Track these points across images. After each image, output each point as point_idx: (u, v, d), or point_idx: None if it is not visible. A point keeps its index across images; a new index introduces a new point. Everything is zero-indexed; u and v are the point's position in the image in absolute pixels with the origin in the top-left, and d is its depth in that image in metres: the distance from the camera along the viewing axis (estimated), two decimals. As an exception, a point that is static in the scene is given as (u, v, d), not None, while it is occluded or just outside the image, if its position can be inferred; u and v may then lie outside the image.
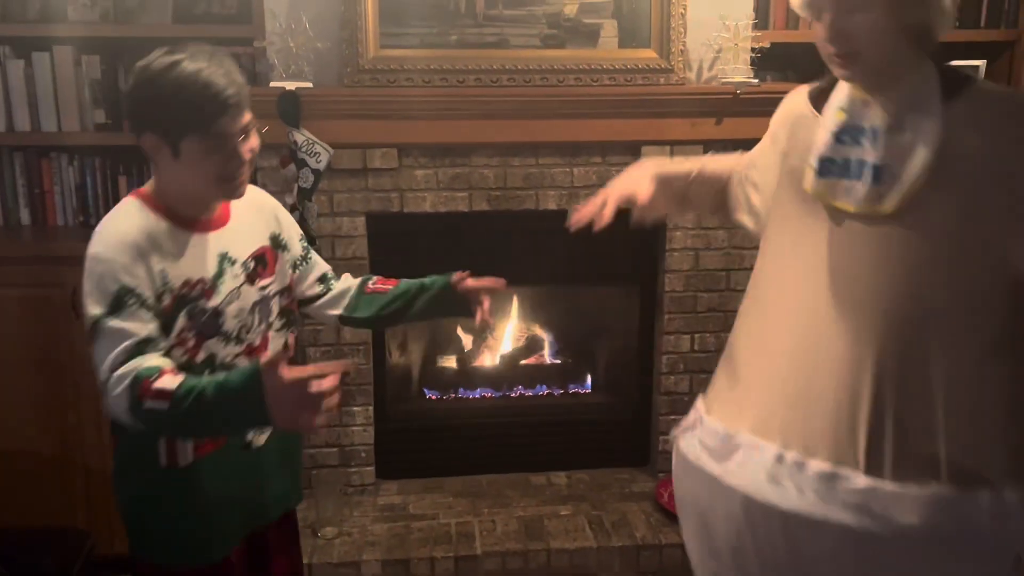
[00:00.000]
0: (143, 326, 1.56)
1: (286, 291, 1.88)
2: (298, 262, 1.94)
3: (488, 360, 3.38)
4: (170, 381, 1.49)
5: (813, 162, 1.61)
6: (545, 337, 3.42)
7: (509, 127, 2.86)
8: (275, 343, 1.84)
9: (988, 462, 1.53)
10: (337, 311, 2.01)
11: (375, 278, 2.04)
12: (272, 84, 2.73)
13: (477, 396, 3.32)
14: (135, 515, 1.80)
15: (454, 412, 3.30)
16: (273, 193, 2.82)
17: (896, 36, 1.51)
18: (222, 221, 1.74)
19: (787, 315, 1.68)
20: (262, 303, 1.79)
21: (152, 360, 1.54)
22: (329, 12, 2.80)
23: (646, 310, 3.18)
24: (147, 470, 1.73)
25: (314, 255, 2.01)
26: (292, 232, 1.94)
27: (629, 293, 3.20)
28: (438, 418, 3.29)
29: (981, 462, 1.53)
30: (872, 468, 1.56)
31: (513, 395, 3.32)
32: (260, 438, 1.83)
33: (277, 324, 1.85)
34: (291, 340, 1.90)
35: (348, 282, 2.03)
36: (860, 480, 1.56)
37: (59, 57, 3.03)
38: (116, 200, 3.06)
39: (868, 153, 1.56)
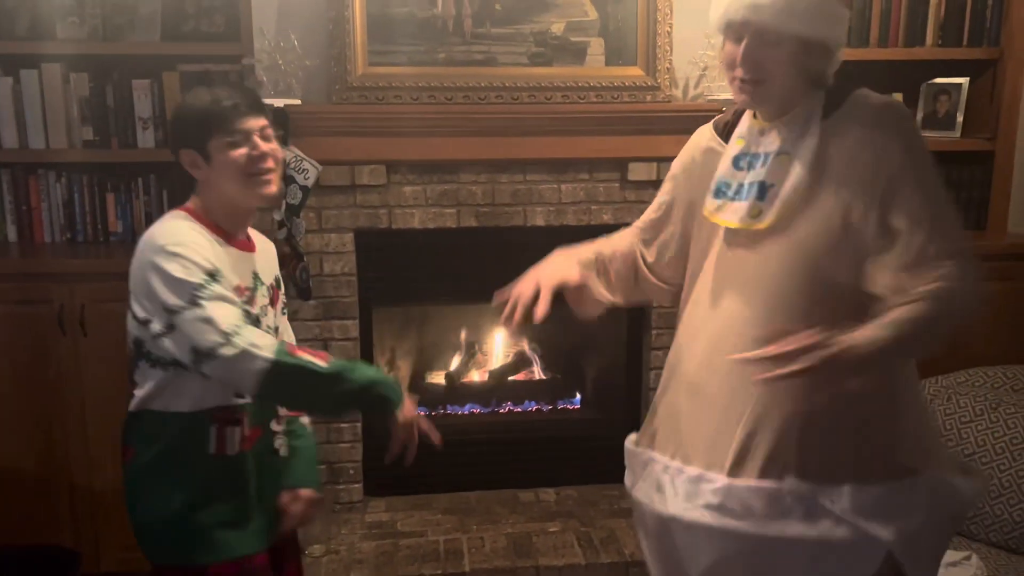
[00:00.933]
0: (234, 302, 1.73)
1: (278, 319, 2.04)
2: (283, 305, 2.10)
3: (477, 376, 3.39)
4: (309, 355, 1.71)
5: (711, 185, 1.73)
6: (533, 353, 3.42)
7: (497, 144, 2.88)
8: None
9: (853, 460, 1.60)
10: None
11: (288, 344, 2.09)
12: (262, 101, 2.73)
13: (466, 412, 3.32)
14: (173, 518, 1.79)
15: (442, 428, 3.19)
16: (262, 209, 2.85)
17: (798, 73, 1.62)
18: (252, 247, 1.92)
19: (691, 337, 1.78)
20: (274, 325, 1.96)
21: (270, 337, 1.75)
22: (317, 30, 2.82)
23: (634, 326, 3.20)
24: (194, 462, 1.78)
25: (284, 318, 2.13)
26: (281, 279, 2.09)
27: (617, 309, 3.20)
28: (427, 436, 3.28)
29: (847, 460, 1.61)
30: (734, 470, 1.63)
31: (502, 411, 3.33)
32: (284, 448, 1.95)
33: None
34: None
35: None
36: (720, 480, 1.64)
37: (47, 74, 3.03)
38: (104, 217, 3.11)
39: (759, 175, 1.67)
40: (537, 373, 3.41)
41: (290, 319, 2.83)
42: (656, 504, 1.75)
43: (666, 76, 2.93)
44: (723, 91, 2.90)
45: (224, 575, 1.79)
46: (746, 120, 1.74)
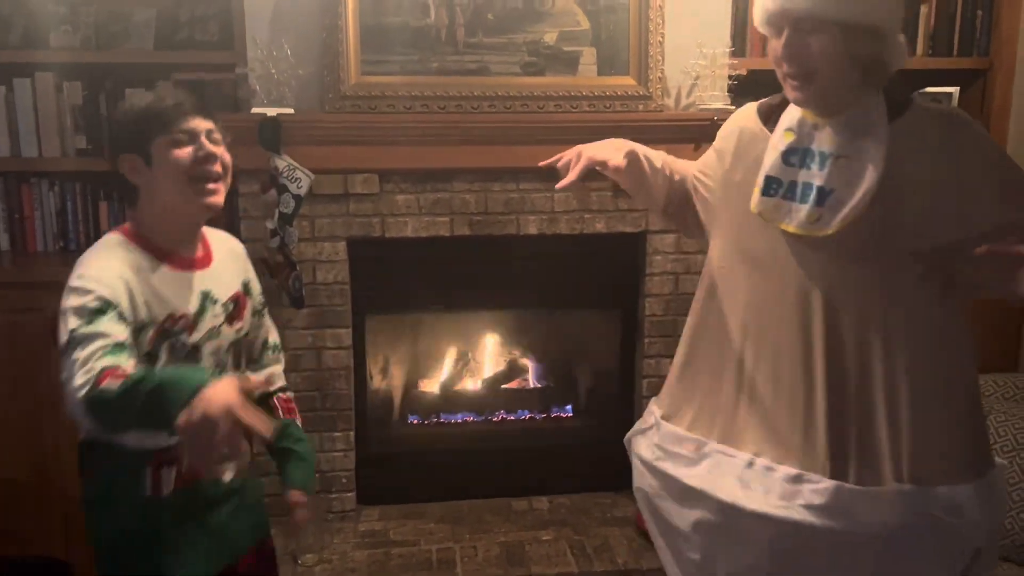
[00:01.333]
0: (120, 332, 1.55)
1: (242, 340, 1.91)
2: (257, 308, 1.96)
3: (470, 385, 3.38)
4: (112, 381, 1.46)
5: (759, 180, 1.68)
6: (526, 361, 3.42)
7: (490, 153, 2.88)
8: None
9: (942, 461, 1.61)
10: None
11: (284, 395, 2.03)
12: (253, 110, 2.74)
13: (459, 421, 3.31)
14: (111, 549, 1.77)
15: (435, 437, 3.30)
16: (255, 218, 2.85)
17: (849, 63, 1.57)
18: (206, 262, 1.79)
19: (741, 332, 1.75)
20: (236, 345, 1.85)
21: (114, 359, 1.50)
22: (311, 39, 2.82)
23: (627, 334, 3.20)
24: (131, 500, 1.71)
25: (267, 316, 2.03)
26: (255, 279, 1.97)
27: (610, 317, 3.22)
28: (419, 443, 3.29)
29: (935, 461, 1.61)
30: (836, 472, 1.63)
31: (495, 419, 3.32)
32: (228, 475, 1.74)
33: (238, 366, 1.89)
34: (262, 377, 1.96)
35: (273, 374, 2.02)
36: (824, 482, 1.63)
37: (40, 83, 3.04)
38: (96, 225, 3.11)
39: (815, 176, 1.63)
40: (530, 381, 3.40)
41: (283, 328, 2.87)
42: (741, 499, 1.69)
43: (658, 86, 2.93)
44: (715, 100, 2.92)
45: None
46: (796, 111, 1.67)
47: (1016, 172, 1.60)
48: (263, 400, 1.94)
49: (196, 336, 1.72)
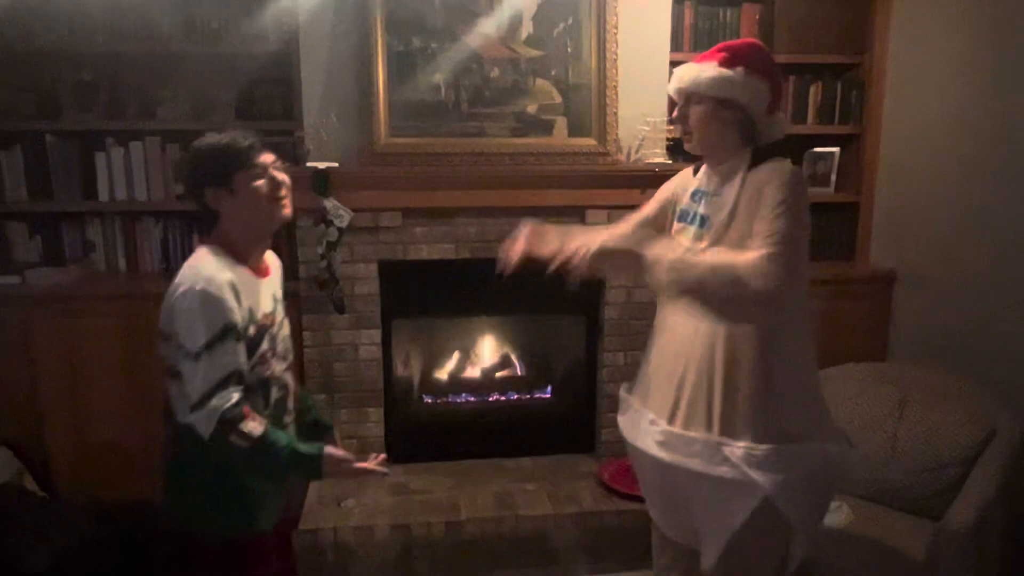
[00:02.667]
0: (237, 359, 1.57)
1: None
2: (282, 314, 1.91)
3: (471, 373, 3.37)
4: (255, 427, 1.54)
5: (677, 211, 1.87)
6: (514, 355, 3.41)
7: (486, 196, 2.89)
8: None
9: (748, 425, 1.69)
10: None
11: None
12: (308, 164, 2.76)
13: (463, 400, 3.31)
14: (206, 504, 1.68)
15: (445, 413, 3.30)
16: (308, 245, 2.87)
17: (721, 126, 1.73)
18: (268, 272, 1.77)
19: (660, 325, 1.90)
20: (289, 334, 1.84)
21: (235, 396, 1.54)
22: (351, 111, 2.84)
23: (591, 334, 3.20)
24: (218, 468, 1.63)
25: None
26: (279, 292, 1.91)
27: (578, 321, 3.22)
28: (433, 417, 3.28)
29: (744, 425, 1.69)
30: (670, 420, 1.78)
31: (490, 399, 3.31)
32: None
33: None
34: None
35: None
36: (662, 425, 1.79)
37: (149, 145, 3.10)
38: (190, 251, 3.12)
39: (702, 208, 1.80)
40: (517, 370, 3.40)
41: (329, 328, 2.97)
42: (640, 444, 1.85)
43: (613, 145, 2.95)
44: (656, 156, 2.95)
45: (253, 544, 1.72)
46: (705, 167, 1.83)
47: (777, 216, 1.63)
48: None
49: (275, 328, 1.73)
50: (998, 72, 2.72)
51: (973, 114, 2.85)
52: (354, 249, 2.89)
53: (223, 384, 1.53)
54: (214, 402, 1.51)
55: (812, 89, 3.32)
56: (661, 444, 1.77)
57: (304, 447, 1.62)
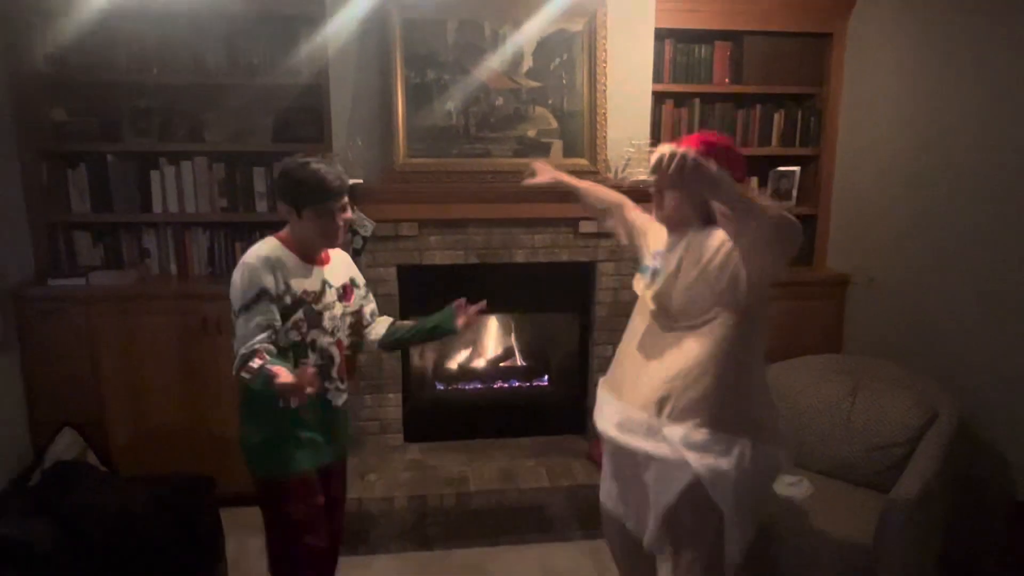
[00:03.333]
0: (270, 316, 1.70)
1: (355, 313, 2.00)
2: (362, 294, 2.06)
3: (478, 363, 3.39)
4: (256, 363, 1.64)
5: (641, 266, 1.95)
6: (516, 348, 3.42)
7: (491, 208, 2.90)
8: (347, 342, 1.96)
9: (693, 413, 1.69)
10: (374, 339, 2.11)
11: (397, 322, 2.16)
12: (337, 181, 2.77)
13: (471, 387, 3.32)
14: (260, 446, 1.83)
15: (456, 398, 3.31)
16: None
17: (689, 209, 1.76)
18: (326, 261, 1.89)
19: (629, 337, 1.92)
20: (343, 316, 1.92)
21: (257, 344, 1.67)
22: (374, 135, 2.85)
23: (583, 329, 3.20)
24: (274, 412, 1.78)
25: (372, 299, 2.12)
26: (360, 279, 2.07)
27: (572, 317, 3.24)
28: (445, 402, 3.29)
29: (689, 411, 1.70)
30: (639, 406, 1.78)
31: (495, 386, 3.32)
32: (338, 398, 1.93)
33: (348, 332, 1.96)
34: (347, 342, 1.98)
35: (383, 322, 2.13)
36: (617, 406, 1.84)
37: (198, 164, 3.11)
38: (234, 257, 3.18)
39: (655, 263, 1.85)
40: (518, 361, 3.41)
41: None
42: (611, 432, 1.86)
43: (603, 164, 2.95)
44: (639, 174, 2.93)
45: (294, 483, 1.82)
46: (666, 234, 1.86)
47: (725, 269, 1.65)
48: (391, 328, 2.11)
49: (319, 306, 1.81)
50: (934, 101, 2.76)
51: (913, 137, 2.87)
52: (376, 255, 2.90)
53: (253, 333, 1.67)
54: (243, 349, 1.66)
55: (776, 116, 3.33)
56: (617, 426, 1.81)
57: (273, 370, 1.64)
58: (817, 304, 3.29)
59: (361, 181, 2.77)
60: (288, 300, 1.74)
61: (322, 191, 1.73)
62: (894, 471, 2.33)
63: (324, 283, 1.85)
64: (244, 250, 3.14)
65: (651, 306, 1.81)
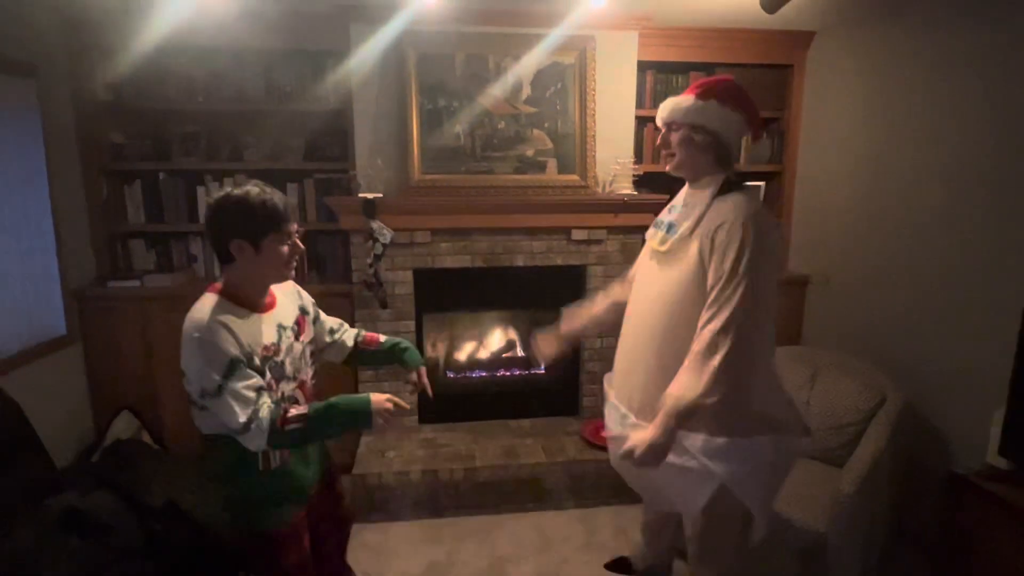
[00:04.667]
0: (256, 380, 1.37)
1: (312, 341, 1.64)
2: (314, 317, 1.67)
3: (483, 355, 3.38)
4: (299, 409, 1.40)
5: (656, 219, 1.71)
6: (516, 340, 3.41)
7: (494, 219, 2.90)
8: (310, 374, 1.61)
9: (708, 418, 1.49)
10: (338, 360, 1.76)
11: (364, 334, 1.79)
12: (360, 195, 2.77)
13: (477, 375, 3.31)
14: (243, 506, 1.51)
15: (464, 385, 3.31)
16: (359, 257, 2.88)
17: (696, 149, 1.55)
18: (272, 305, 1.51)
19: (631, 320, 1.74)
20: (303, 352, 1.58)
21: (268, 403, 1.38)
22: (392, 155, 2.85)
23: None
24: (251, 472, 1.48)
25: (322, 315, 1.72)
26: (309, 301, 1.67)
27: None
28: (455, 389, 3.28)
29: (703, 418, 1.48)
30: (639, 415, 1.61)
31: (498, 375, 3.31)
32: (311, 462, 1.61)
33: (310, 363, 1.62)
34: (311, 373, 1.64)
35: (347, 337, 1.75)
36: (633, 419, 1.62)
37: (239, 182, 3.03)
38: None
39: (671, 218, 1.64)
40: (518, 352, 3.40)
41: (376, 320, 2.95)
42: (610, 426, 1.74)
43: (592, 179, 2.95)
44: (624, 189, 2.95)
45: (283, 534, 1.52)
46: (685, 188, 1.65)
47: (729, 257, 1.44)
48: (356, 348, 1.75)
49: (280, 355, 1.47)
50: (881, 123, 2.76)
51: (863, 155, 2.87)
52: (395, 260, 2.90)
53: (254, 402, 1.35)
54: (255, 421, 1.34)
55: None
56: (628, 431, 1.61)
57: (346, 399, 1.44)
58: (780, 301, 3.27)
59: (381, 195, 2.78)
60: (256, 362, 1.40)
61: (277, 214, 1.39)
62: (848, 447, 2.34)
63: (279, 329, 1.49)
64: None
65: (661, 249, 1.59)
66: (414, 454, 2.88)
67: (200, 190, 3.07)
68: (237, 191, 1.39)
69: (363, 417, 1.44)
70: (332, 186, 3.07)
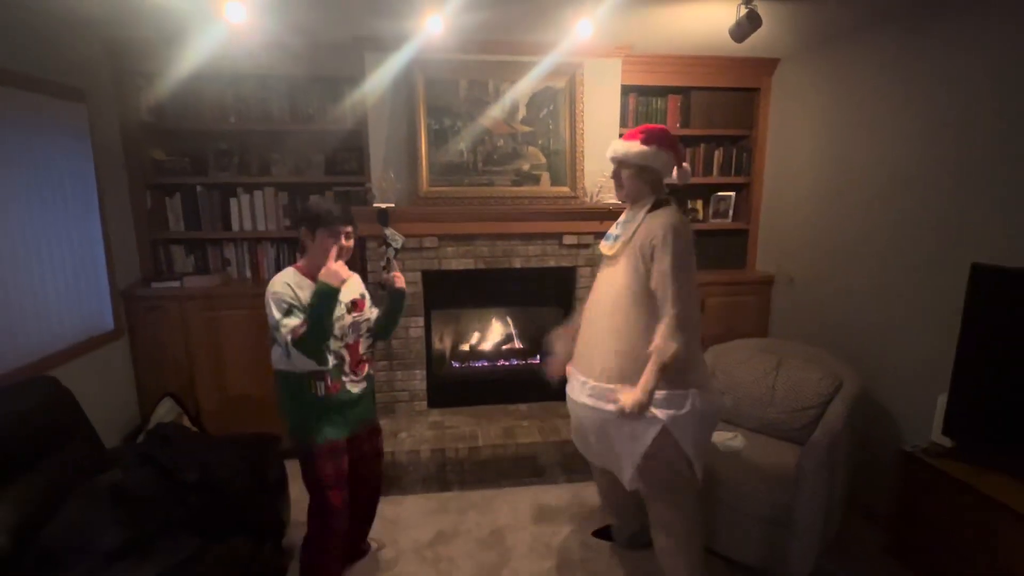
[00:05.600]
0: (298, 320, 1.70)
1: (367, 320, 1.96)
2: (370, 305, 2.02)
3: (485, 346, 3.38)
4: (295, 323, 1.68)
5: (605, 234, 1.88)
6: (515, 333, 3.41)
7: (494, 226, 2.89)
8: (363, 344, 1.93)
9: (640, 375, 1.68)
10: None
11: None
12: (374, 205, 2.77)
13: (479, 365, 3.30)
14: (298, 422, 1.82)
15: (468, 374, 3.30)
16: (374, 260, 2.87)
17: (640, 183, 1.74)
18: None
19: (589, 313, 1.87)
20: (354, 325, 1.89)
21: (291, 330, 1.69)
22: (403, 168, 2.85)
23: (567, 318, 3.15)
24: (307, 398, 1.80)
25: (374, 306, 2.05)
26: (367, 293, 2.02)
27: (558, 310, 3.21)
28: (459, 377, 3.28)
29: (639, 376, 1.68)
30: (596, 378, 1.75)
31: (499, 364, 3.31)
32: (357, 388, 1.90)
33: (366, 335, 1.95)
34: (362, 342, 1.95)
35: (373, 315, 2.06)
36: (591, 383, 1.76)
37: (266, 193, 3.10)
38: (293, 264, 3.15)
39: (617, 231, 1.81)
40: (516, 344, 3.40)
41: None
42: (576, 396, 1.84)
43: (581, 190, 2.95)
44: (609, 198, 2.95)
45: (324, 448, 1.81)
46: (626, 208, 1.85)
47: (669, 280, 1.65)
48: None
49: (334, 316, 1.78)
50: (838, 140, 2.76)
51: (822, 168, 2.87)
52: (406, 262, 2.90)
53: (292, 331, 1.68)
54: (288, 337, 1.68)
55: (716, 152, 3.33)
56: (590, 395, 1.77)
57: (312, 301, 1.68)
58: (748, 299, 3.29)
59: (393, 205, 2.78)
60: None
61: (329, 215, 1.75)
62: (809, 427, 2.34)
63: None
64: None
65: (610, 254, 1.80)
66: (423, 435, 2.87)
67: (233, 201, 3.07)
68: (315, 199, 1.80)
69: (326, 290, 1.67)
70: (350, 197, 3.08)
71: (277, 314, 1.68)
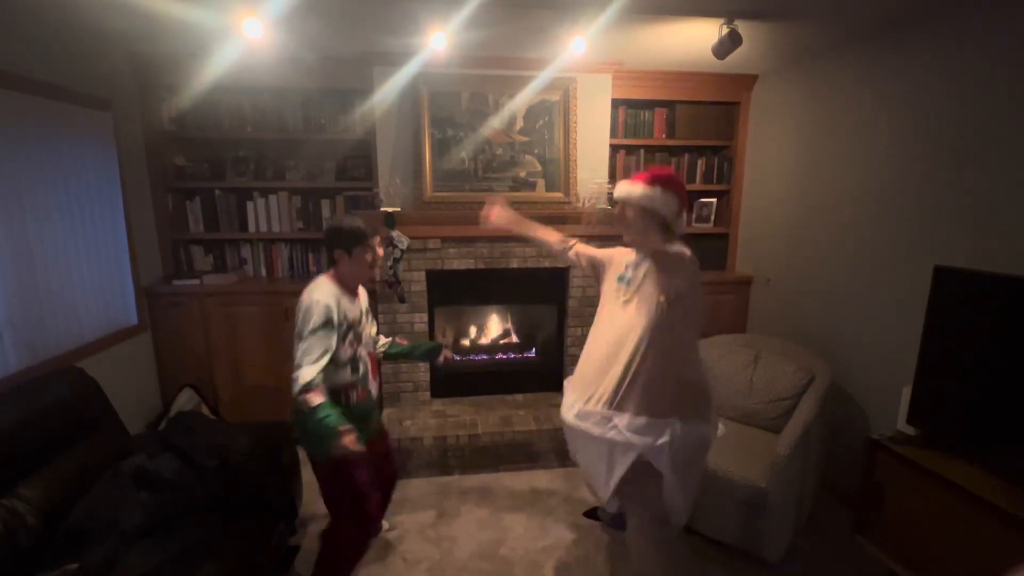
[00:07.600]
0: (330, 341, 1.63)
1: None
2: (369, 320, 1.94)
3: (484, 341, 3.37)
4: (315, 398, 1.55)
5: (617, 276, 1.75)
6: (512, 329, 3.40)
7: (493, 229, 2.87)
8: (376, 353, 1.98)
9: (635, 404, 1.61)
10: (381, 350, 2.07)
11: (397, 338, 2.09)
12: (381, 208, 2.76)
13: (479, 358, 3.30)
14: (316, 432, 1.64)
15: (468, 365, 3.29)
16: (384, 260, 2.87)
17: (645, 224, 1.63)
18: (358, 295, 1.84)
19: (594, 342, 1.75)
20: (369, 333, 1.91)
21: (318, 373, 1.58)
22: (408, 174, 2.84)
23: (560, 316, 3.19)
24: (340, 410, 1.65)
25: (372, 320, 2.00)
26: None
27: (552, 308, 3.22)
28: (461, 369, 3.26)
29: (633, 404, 1.61)
30: (587, 402, 1.67)
31: (497, 357, 3.30)
32: (375, 393, 1.89)
33: (373, 346, 1.95)
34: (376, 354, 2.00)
35: (384, 341, 2.07)
36: (580, 405, 1.68)
37: (282, 197, 3.09)
38: (306, 265, 3.16)
39: (627, 274, 1.72)
40: (513, 339, 3.39)
41: (396, 313, 2.95)
42: (570, 421, 1.74)
43: (574, 196, 2.95)
44: (601, 204, 2.94)
45: (359, 456, 1.65)
46: (634, 250, 1.75)
47: (669, 273, 1.56)
48: (391, 346, 2.06)
49: (359, 328, 1.78)
50: (812, 151, 2.76)
51: (797, 176, 2.88)
52: (411, 263, 2.89)
53: (318, 355, 1.58)
54: (304, 372, 1.55)
55: (699, 161, 3.33)
56: (577, 416, 1.70)
57: (333, 423, 1.54)
58: (728, 298, 3.30)
59: (399, 209, 2.78)
60: (345, 326, 1.72)
61: (363, 234, 1.74)
62: (784, 417, 2.35)
63: (362, 312, 1.84)
64: (316, 260, 3.21)
65: (623, 299, 1.70)
66: (427, 423, 2.87)
67: (249, 204, 3.05)
68: (338, 218, 1.75)
69: (331, 435, 1.55)
70: (359, 201, 3.07)
71: (314, 323, 1.59)
